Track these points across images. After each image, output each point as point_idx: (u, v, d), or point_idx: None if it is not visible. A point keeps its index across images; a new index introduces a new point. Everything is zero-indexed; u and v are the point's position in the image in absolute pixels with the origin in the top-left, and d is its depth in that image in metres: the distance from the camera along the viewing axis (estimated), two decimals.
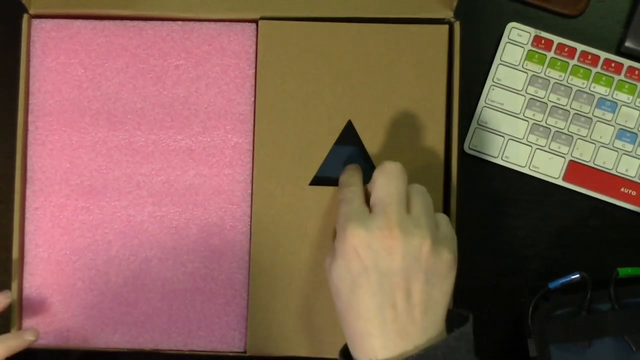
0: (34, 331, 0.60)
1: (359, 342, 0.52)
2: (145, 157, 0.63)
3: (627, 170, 0.69)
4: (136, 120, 0.63)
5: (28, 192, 0.63)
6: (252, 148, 0.63)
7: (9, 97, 0.64)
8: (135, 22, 0.64)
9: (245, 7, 0.63)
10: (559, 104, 0.69)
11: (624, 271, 0.64)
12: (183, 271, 0.63)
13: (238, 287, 0.63)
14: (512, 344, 0.69)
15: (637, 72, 0.69)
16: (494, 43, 0.70)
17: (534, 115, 0.69)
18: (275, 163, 0.62)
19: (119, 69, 0.63)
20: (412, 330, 0.51)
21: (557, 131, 0.69)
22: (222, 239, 0.63)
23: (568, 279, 0.64)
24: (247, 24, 0.64)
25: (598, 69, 0.69)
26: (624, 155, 0.69)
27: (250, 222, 0.63)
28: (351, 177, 0.59)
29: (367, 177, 0.58)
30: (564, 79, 0.69)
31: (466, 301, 0.59)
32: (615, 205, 0.69)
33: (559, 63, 0.69)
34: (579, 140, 0.69)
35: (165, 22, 0.64)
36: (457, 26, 0.62)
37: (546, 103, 0.69)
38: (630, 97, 0.69)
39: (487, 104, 0.69)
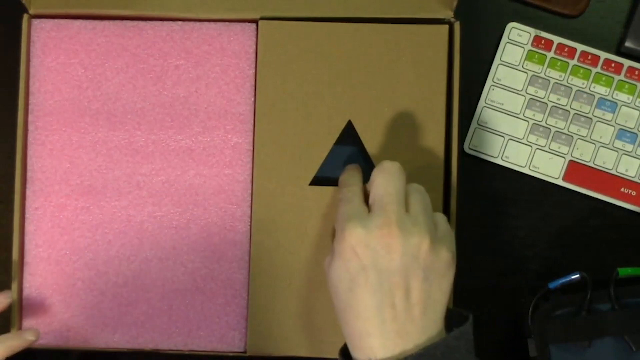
0: (34, 331, 0.60)
1: (358, 342, 0.52)
2: (145, 157, 0.63)
3: (627, 170, 0.69)
4: (136, 120, 0.63)
5: (28, 192, 0.63)
6: (252, 148, 0.63)
7: (9, 97, 0.64)
8: (135, 22, 0.64)
9: (245, 7, 0.63)
10: (559, 104, 0.69)
11: (624, 271, 0.64)
12: (183, 271, 0.63)
13: (238, 287, 0.63)
14: (512, 344, 0.68)
15: (637, 72, 0.69)
16: (494, 43, 0.70)
17: (534, 115, 0.69)
18: (275, 163, 0.62)
19: (119, 69, 0.63)
20: (411, 330, 0.51)
21: (557, 131, 0.69)
22: (222, 239, 0.63)
23: (568, 279, 0.64)
24: (247, 24, 0.64)
25: (598, 69, 0.69)
26: (624, 155, 0.69)
27: (250, 222, 0.63)
28: (351, 177, 0.59)
29: (366, 177, 0.57)
30: (564, 79, 0.69)
31: (466, 301, 0.59)
32: (615, 205, 0.69)
33: (559, 63, 0.69)
34: (579, 140, 0.69)
35: (165, 22, 0.64)
36: (457, 26, 0.62)
37: (546, 103, 0.69)
38: (630, 97, 0.69)
39: (487, 104, 0.69)
